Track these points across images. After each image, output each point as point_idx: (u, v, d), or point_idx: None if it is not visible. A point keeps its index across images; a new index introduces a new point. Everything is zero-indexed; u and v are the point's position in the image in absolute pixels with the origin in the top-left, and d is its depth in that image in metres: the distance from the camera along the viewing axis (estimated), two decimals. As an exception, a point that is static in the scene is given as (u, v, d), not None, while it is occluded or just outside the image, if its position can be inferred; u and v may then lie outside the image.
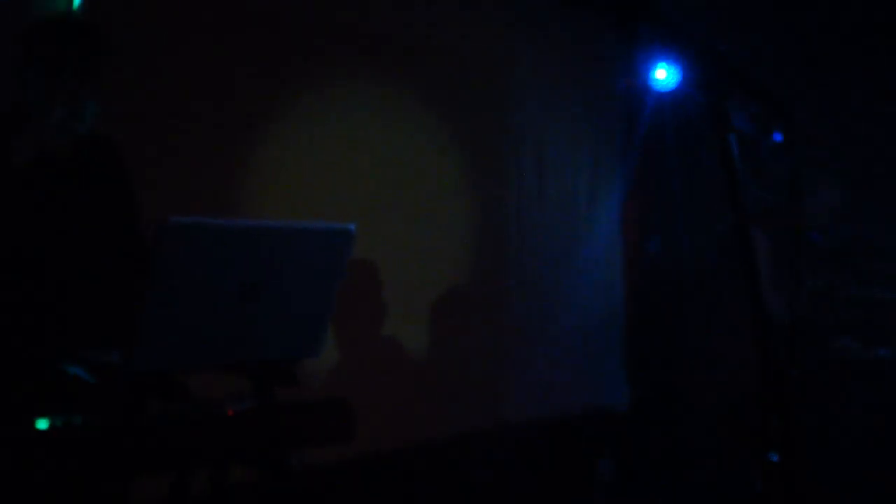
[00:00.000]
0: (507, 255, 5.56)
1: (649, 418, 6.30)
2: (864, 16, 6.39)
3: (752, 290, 1.78)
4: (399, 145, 4.92)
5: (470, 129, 5.34)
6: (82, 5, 3.38)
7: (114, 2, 3.60)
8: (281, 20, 4.35)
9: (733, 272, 5.10)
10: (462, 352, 5.18)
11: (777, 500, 1.90)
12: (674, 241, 6.68)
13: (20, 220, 2.65)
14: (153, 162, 3.58)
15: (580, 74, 6.14)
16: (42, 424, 2.03)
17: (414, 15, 5.00)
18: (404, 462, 4.70)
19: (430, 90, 5.11)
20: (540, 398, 5.65)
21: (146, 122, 3.68)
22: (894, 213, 6.75)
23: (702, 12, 5.92)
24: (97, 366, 2.38)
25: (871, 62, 6.53)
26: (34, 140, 2.63)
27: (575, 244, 6.05)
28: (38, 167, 2.69)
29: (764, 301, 1.88)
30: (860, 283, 6.33)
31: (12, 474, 1.99)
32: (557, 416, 5.76)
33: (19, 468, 1.99)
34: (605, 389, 6.27)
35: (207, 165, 4.01)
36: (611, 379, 6.34)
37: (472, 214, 5.34)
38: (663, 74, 6.27)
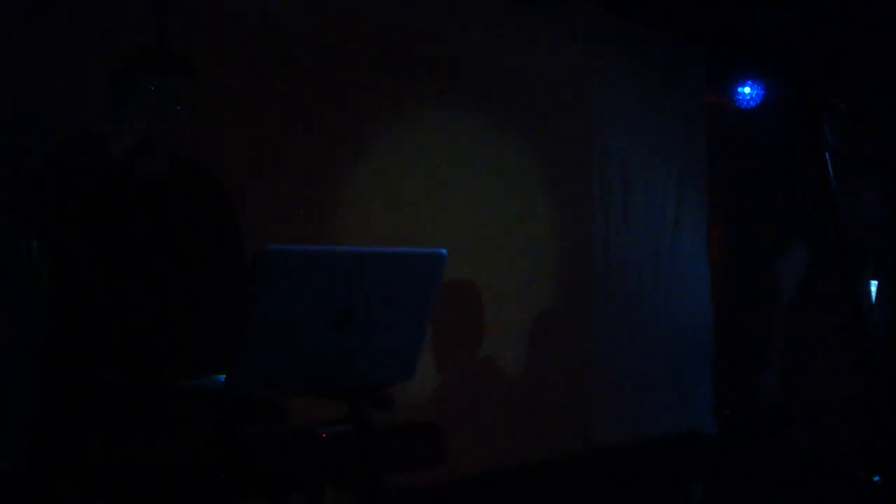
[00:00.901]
0: (595, 277, 5.55)
1: (739, 441, 6.20)
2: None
3: (851, 310, 1.76)
4: (486, 170, 4.96)
5: (555, 152, 5.36)
6: (170, 36, 3.48)
7: (209, 36, 3.71)
8: (372, 52, 4.45)
9: (826, 293, 5.02)
10: (551, 374, 5.17)
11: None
12: (761, 262, 6.59)
13: (122, 246, 2.72)
14: (249, 190, 3.67)
15: (664, 94, 6.12)
16: (145, 448, 2.09)
17: (497, 41, 5.05)
18: (495, 485, 4.70)
19: (515, 114, 5.15)
20: (629, 421, 5.61)
21: (242, 152, 3.77)
22: None
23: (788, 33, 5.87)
24: (199, 391, 2.43)
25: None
26: (124, 161, 2.71)
27: (661, 266, 6.01)
28: (137, 191, 2.77)
29: (862, 325, 1.85)
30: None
31: (117, 497, 2.05)
32: (647, 439, 5.71)
33: (124, 490, 2.05)
34: (695, 412, 6.20)
35: (301, 194, 4.11)
36: (700, 401, 6.26)
37: (558, 237, 5.35)
38: (748, 92, 6.22)
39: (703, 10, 5.90)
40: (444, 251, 2.43)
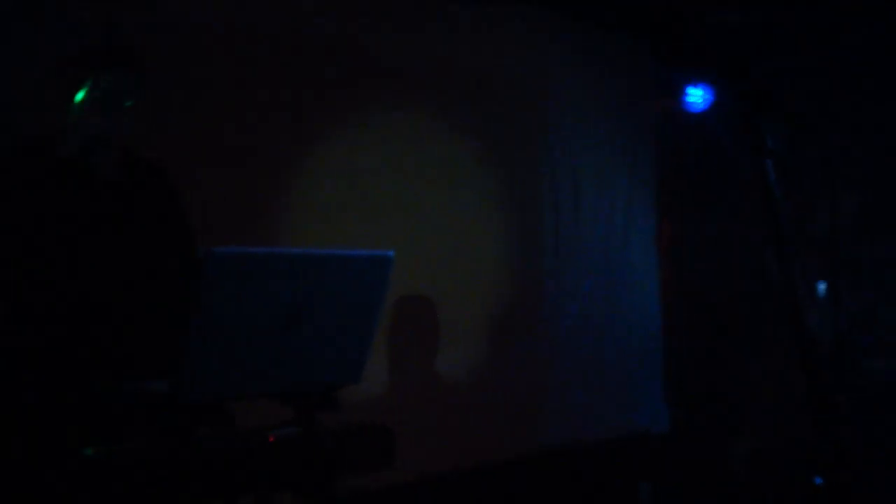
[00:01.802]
0: (545, 278, 5.57)
1: (689, 440, 6.27)
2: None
3: (792, 311, 1.79)
4: (435, 172, 4.96)
5: (506, 153, 5.37)
6: (118, 32, 3.45)
7: (153, 34, 3.67)
8: (317, 54, 4.43)
9: (772, 293, 5.09)
10: (502, 375, 5.19)
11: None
12: (709, 261, 6.67)
13: (69, 245, 2.69)
14: (193, 192, 3.64)
15: (614, 96, 6.16)
16: (90, 452, 2.06)
17: (447, 43, 5.05)
18: (446, 486, 4.71)
19: (465, 116, 5.14)
20: (579, 422, 5.64)
21: (184, 152, 3.74)
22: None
23: (735, 36, 5.94)
24: (145, 395, 2.41)
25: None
26: (73, 158, 2.68)
27: (611, 267, 6.05)
28: (86, 189, 2.74)
29: (805, 322, 1.88)
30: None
31: (61, 501, 2.03)
32: (597, 439, 5.74)
33: (67, 496, 2.02)
34: (645, 412, 6.25)
35: (249, 197, 4.08)
36: (650, 401, 6.31)
37: (509, 239, 5.36)
38: (696, 96, 6.30)
39: (653, 12, 5.96)
40: (391, 253, 2.43)
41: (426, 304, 4.84)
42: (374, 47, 4.68)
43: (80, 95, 2.71)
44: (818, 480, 1.88)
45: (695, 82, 6.25)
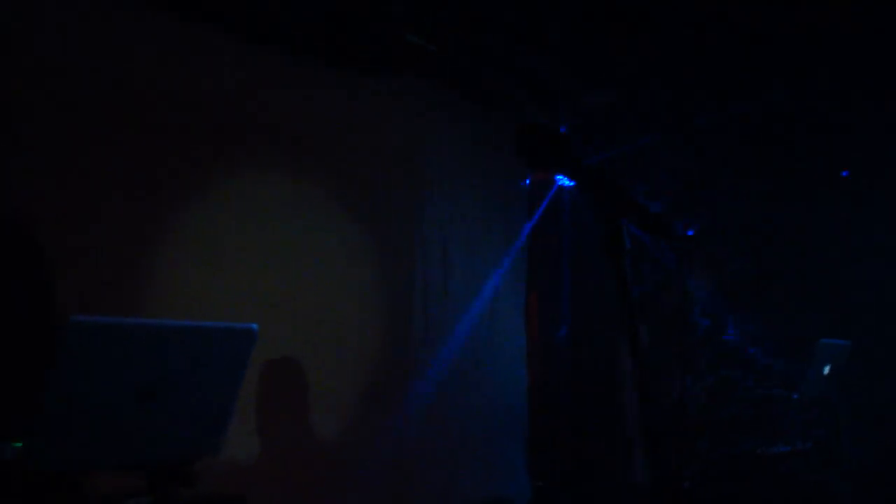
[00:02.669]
0: (413, 349, 5.58)
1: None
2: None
3: (638, 393, 1.85)
4: (305, 238, 4.94)
5: (378, 221, 5.39)
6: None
7: (22, 89, 3.59)
8: (189, 117, 4.37)
9: (627, 367, 5.24)
10: (368, 444, 5.16)
11: None
12: (573, 334, 6.82)
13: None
14: (59, 258, 3.54)
15: (489, 169, 6.28)
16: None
17: (320, 109, 5.06)
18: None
19: (338, 184, 5.15)
20: (443, 490, 5.64)
21: (50, 216, 3.63)
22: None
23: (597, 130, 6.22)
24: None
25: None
26: None
27: (480, 337, 6.11)
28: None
29: (651, 402, 1.95)
30: (757, 379, 6.53)
31: None
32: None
33: None
34: (509, 480, 6.29)
35: (111, 262, 3.95)
36: (514, 470, 6.37)
37: (379, 307, 5.36)
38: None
39: (530, 93, 6.14)
40: (255, 326, 2.43)
41: (293, 371, 4.80)
42: (246, 109, 4.64)
43: None
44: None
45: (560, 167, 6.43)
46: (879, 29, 5.16)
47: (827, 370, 5.96)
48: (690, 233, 7.29)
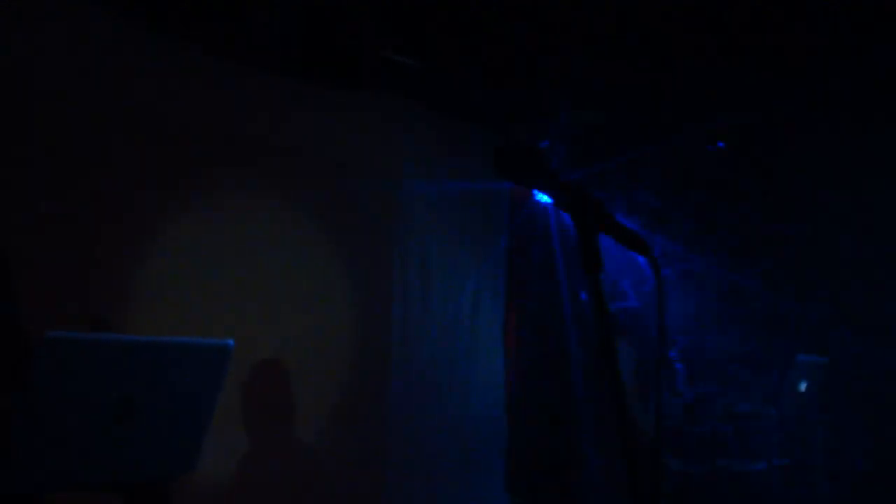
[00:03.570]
0: (392, 362, 5.57)
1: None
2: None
3: (616, 411, 1.85)
4: (285, 255, 4.93)
5: (357, 238, 5.39)
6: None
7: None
8: (167, 133, 4.36)
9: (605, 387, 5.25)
10: (346, 461, 5.13)
11: None
12: (551, 352, 6.82)
13: None
14: (36, 274, 3.51)
15: (467, 185, 6.27)
16: None
17: (298, 124, 5.06)
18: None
19: (316, 198, 5.15)
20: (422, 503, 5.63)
21: (29, 232, 3.62)
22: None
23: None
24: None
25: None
26: None
27: (458, 352, 6.10)
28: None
29: (628, 420, 1.95)
30: (735, 395, 6.55)
31: None
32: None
33: None
34: (487, 498, 6.27)
35: (90, 280, 3.94)
36: (491, 487, 6.35)
37: (357, 322, 5.35)
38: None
39: (509, 106, 6.16)
40: (230, 342, 2.41)
41: (270, 386, 4.78)
42: (224, 128, 4.64)
43: None
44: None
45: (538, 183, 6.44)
46: (852, 46, 5.21)
47: (804, 386, 5.99)
48: (670, 247, 7.32)
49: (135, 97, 4.23)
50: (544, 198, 6.66)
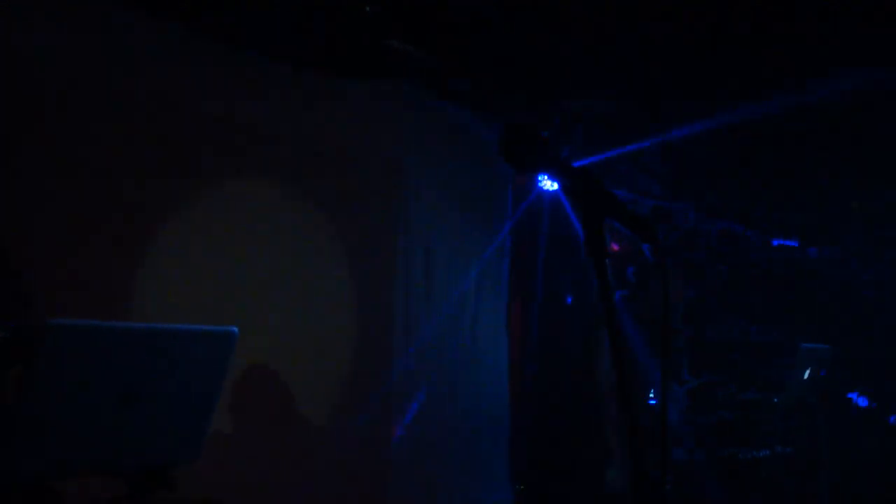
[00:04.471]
0: (395, 353, 5.56)
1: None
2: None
3: (621, 396, 1.85)
4: (288, 244, 4.92)
5: (361, 228, 5.37)
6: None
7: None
8: (169, 122, 4.35)
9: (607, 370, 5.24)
10: (350, 450, 5.13)
11: None
12: (557, 342, 6.81)
13: None
14: (40, 261, 3.51)
15: (472, 173, 6.26)
16: None
17: (301, 113, 5.04)
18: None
19: (321, 189, 5.13)
20: (426, 495, 5.62)
21: (33, 220, 3.61)
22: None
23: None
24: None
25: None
26: None
27: (461, 341, 6.10)
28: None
29: (633, 405, 1.95)
30: (740, 383, 6.54)
31: None
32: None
33: None
34: (491, 486, 6.28)
35: (88, 266, 3.92)
36: (496, 475, 6.35)
37: (358, 313, 5.34)
38: (547, 179, 6.48)
39: (514, 95, 6.14)
40: (235, 329, 2.40)
41: (273, 376, 4.78)
42: (228, 117, 4.63)
43: None
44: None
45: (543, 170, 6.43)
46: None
47: (808, 374, 5.99)
48: (673, 236, 7.32)
49: (138, 87, 4.21)
50: (548, 185, 6.64)
